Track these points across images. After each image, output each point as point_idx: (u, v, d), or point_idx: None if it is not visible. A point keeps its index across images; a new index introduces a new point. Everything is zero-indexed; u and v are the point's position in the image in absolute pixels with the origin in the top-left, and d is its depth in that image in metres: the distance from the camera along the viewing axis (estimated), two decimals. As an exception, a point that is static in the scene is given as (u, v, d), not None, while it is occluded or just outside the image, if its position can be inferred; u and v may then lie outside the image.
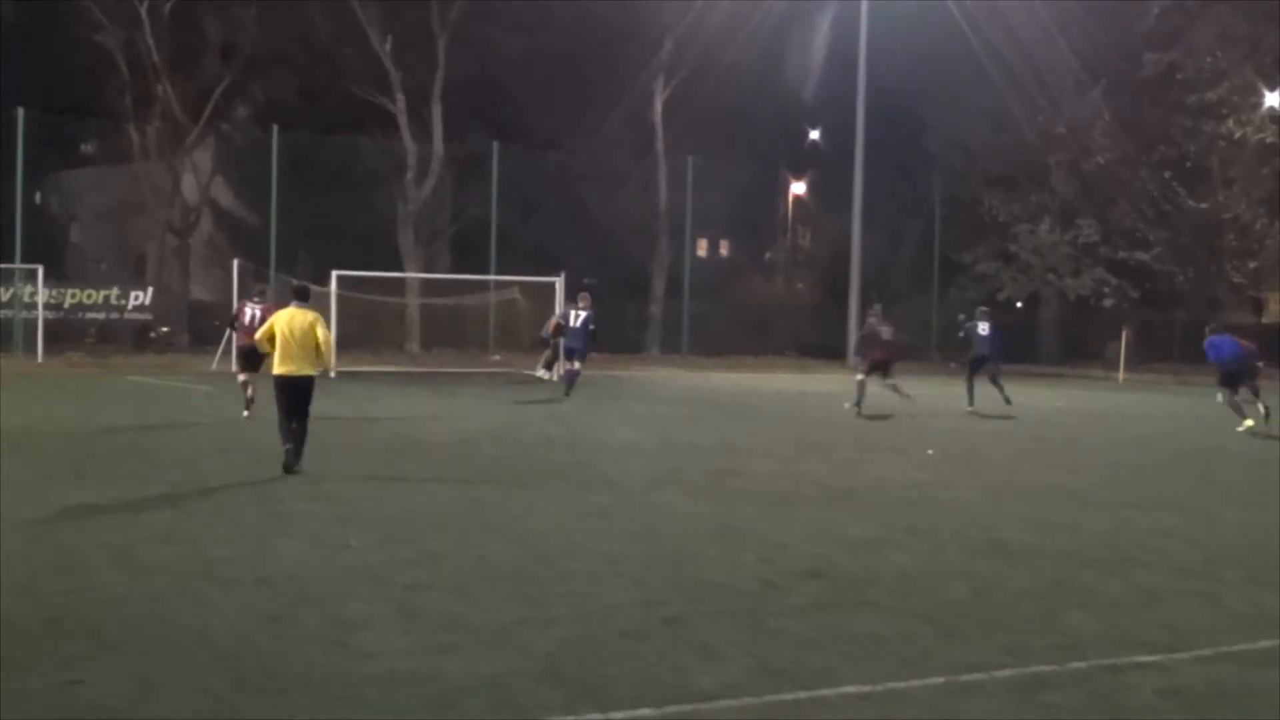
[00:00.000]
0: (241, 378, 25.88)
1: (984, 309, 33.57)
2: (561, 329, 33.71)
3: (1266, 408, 27.12)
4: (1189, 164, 56.11)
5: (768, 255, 71.56)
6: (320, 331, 17.83)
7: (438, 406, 30.08)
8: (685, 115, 56.27)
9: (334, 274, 40.26)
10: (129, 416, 26.03)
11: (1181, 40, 52.18)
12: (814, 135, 69.36)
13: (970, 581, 11.72)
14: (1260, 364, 28.29)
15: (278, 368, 17.92)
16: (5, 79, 45.86)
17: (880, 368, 30.32)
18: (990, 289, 58.76)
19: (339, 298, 40.29)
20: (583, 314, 32.48)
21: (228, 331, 32.85)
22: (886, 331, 30.66)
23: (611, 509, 15.39)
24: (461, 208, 54.17)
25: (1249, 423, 27.22)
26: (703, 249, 69.44)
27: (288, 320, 17.78)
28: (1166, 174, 56.07)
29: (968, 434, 26.67)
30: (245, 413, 25.01)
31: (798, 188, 69.69)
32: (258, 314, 25.54)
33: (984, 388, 31.48)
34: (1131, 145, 55.70)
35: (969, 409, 30.92)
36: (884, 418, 29.12)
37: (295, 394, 17.73)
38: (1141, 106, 54.93)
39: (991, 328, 31.63)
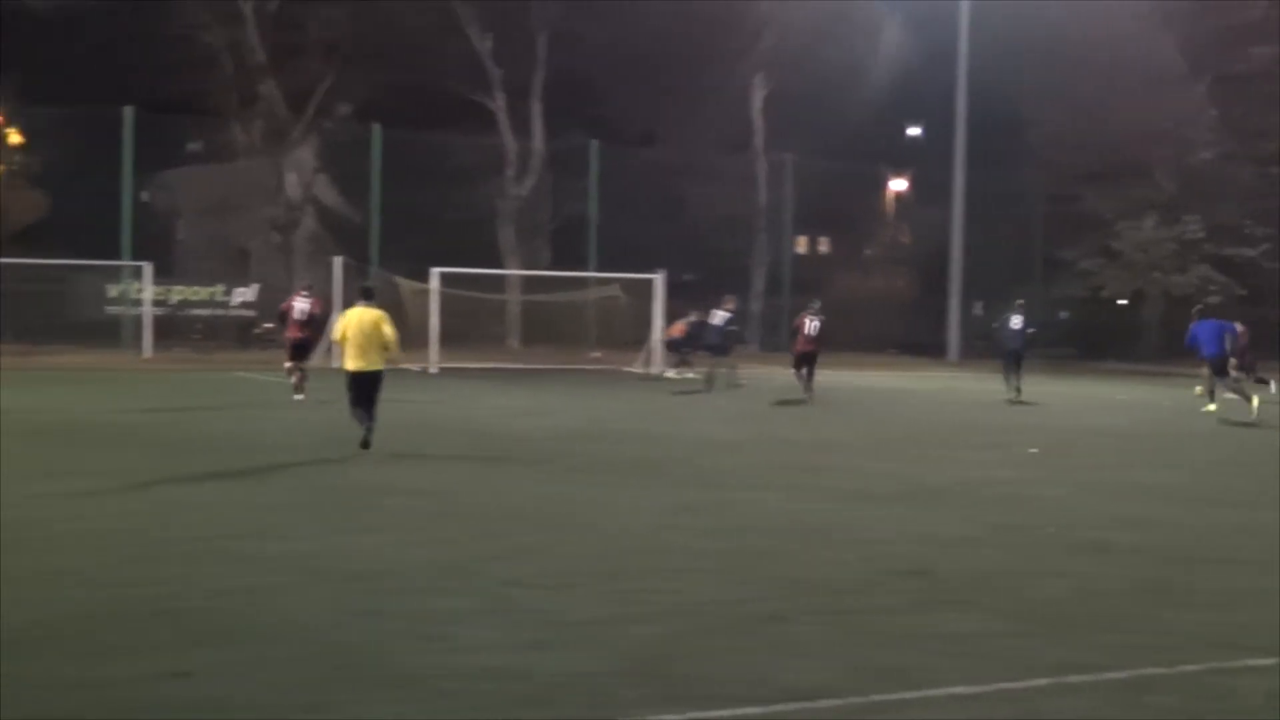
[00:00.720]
0: (288, 365, 27.70)
1: (1020, 302, 34.77)
2: (688, 331, 34.32)
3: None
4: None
5: (867, 251, 71.14)
6: (386, 329, 18.93)
7: (537, 402, 30.09)
8: (784, 110, 56.03)
9: (434, 271, 40.42)
10: (231, 411, 26.36)
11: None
12: (913, 131, 69.02)
13: (1072, 580, 11.48)
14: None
15: (349, 363, 19.04)
16: (113, 78, 46.47)
17: (805, 362, 31.86)
18: (1092, 286, 58.24)
19: (440, 294, 40.51)
20: (724, 314, 34.15)
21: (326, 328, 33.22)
22: (812, 327, 31.93)
23: (707, 505, 15.28)
24: (561, 204, 54.18)
25: (1211, 407, 29.38)
26: (802, 245, 69.17)
27: (357, 318, 19.00)
28: (1274, 169, 55.13)
29: (1067, 431, 26.37)
30: (298, 396, 26.69)
31: (897, 183, 69.14)
32: (306, 307, 27.80)
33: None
34: (1236, 140, 54.81)
35: (1014, 399, 32.38)
36: (982, 414, 28.91)
37: (366, 387, 18.90)
38: (1247, 100, 53.95)
39: (1023, 321, 33.28)
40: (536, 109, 52.37)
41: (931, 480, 18.11)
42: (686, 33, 52.33)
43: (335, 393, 21.68)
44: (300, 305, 27.96)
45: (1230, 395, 28.62)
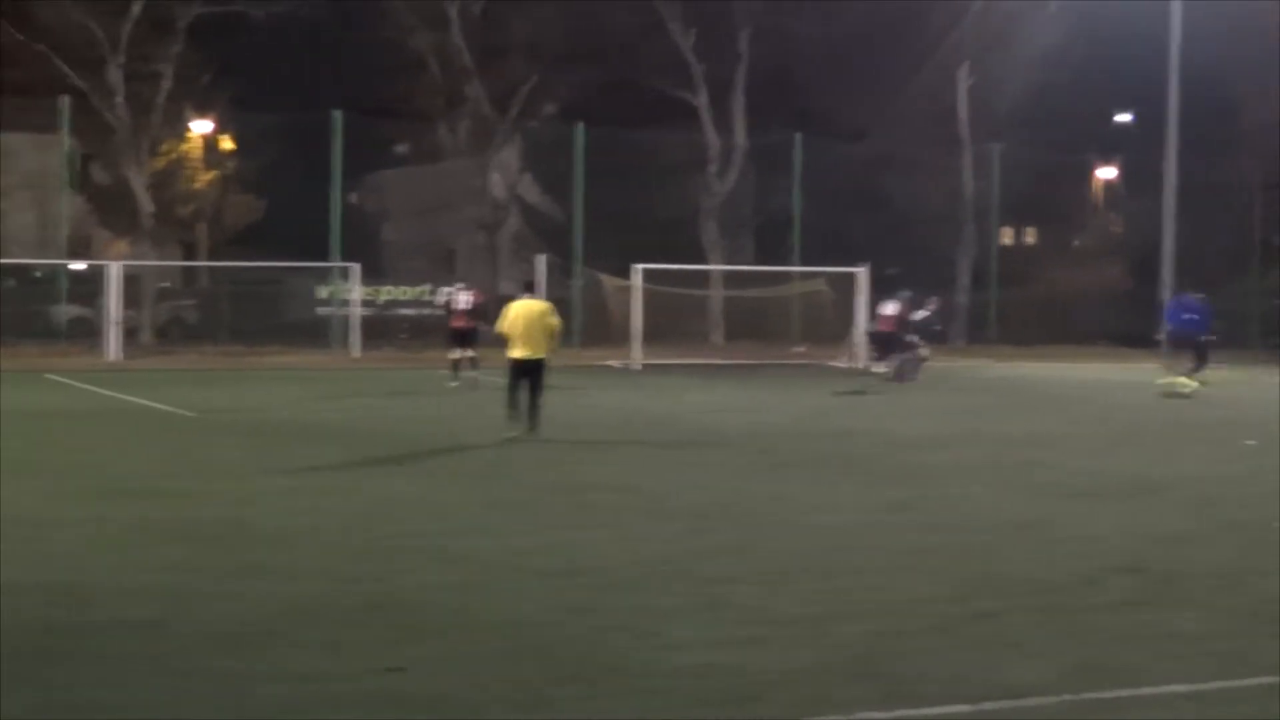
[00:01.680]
0: (454, 355, 31.08)
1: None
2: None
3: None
4: None
5: (1075, 242, 69.81)
6: (552, 319, 20.38)
7: (741, 398, 30.11)
8: (989, 100, 55.22)
9: (636, 268, 40.58)
10: (440, 410, 26.74)
11: None
12: (1122, 118, 67.49)
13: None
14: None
15: (515, 351, 20.17)
16: (322, 83, 47.51)
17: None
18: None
19: (643, 291, 40.67)
20: (923, 314, 34.96)
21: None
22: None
23: (916, 501, 15.22)
24: (764, 199, 54.00)
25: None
26: (1008, 237, 68.18)
27: (524, 309, 20.40)
28: None
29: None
30: (453, 384, 30.32)
31: (1106, 172, 67.71)
32: (470, 299, 31.85)
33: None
34: None
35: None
36: (1195, 407, 28.28)
37: (531, 373, 20.04)
38: None
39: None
40: (739, 104, 52.15)
41: (1148, 475, 17.80)
42: (889, 24, 51.83)
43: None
44: (463, 297, 32.09)
45: None
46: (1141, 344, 50.26)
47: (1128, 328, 54.89)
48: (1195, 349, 32.12)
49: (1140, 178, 59.80)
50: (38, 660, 8.28)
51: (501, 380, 21.61)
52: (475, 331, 31.19)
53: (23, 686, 7.65)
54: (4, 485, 14.94)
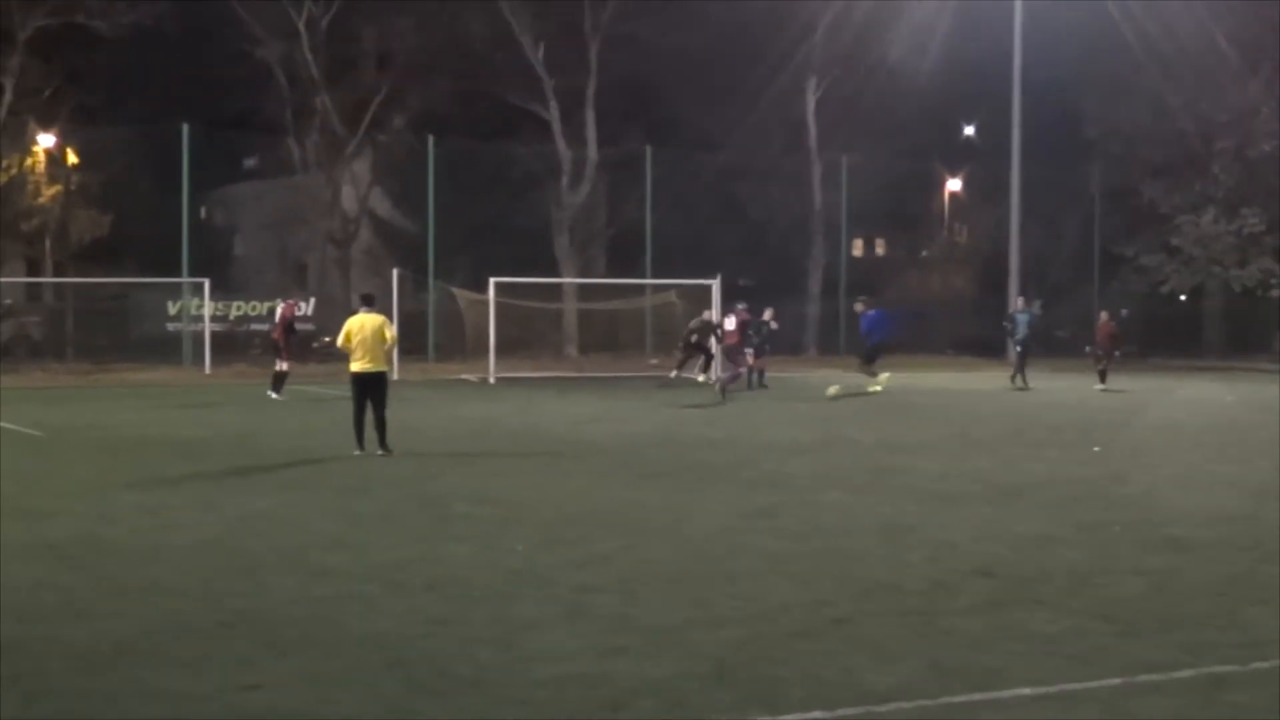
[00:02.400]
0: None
1: (1037, 300, 39.08)
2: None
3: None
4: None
5: (924, 252, 70.78)
6: (389, 332, 20.44)
7: (597, 410, 30.10)
8: (837, 112, 55.85)
9: (491, 281, 40.49)
10: (294, 425, 26.53)
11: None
12: (969, 130, 68.56)
13: (1144, 578, 11.49)
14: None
15: (356, 365, 20.17)
16: (168, 94, 46.87)
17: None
18: (1153, 281, 57.77)
19: (497, 304, 40.60)
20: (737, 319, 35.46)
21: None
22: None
23: (775, 508, 15.32)
24: (616, 211, 54.22)
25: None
26: (858, 248, 68.99)
27: (360, 323, 20.19)
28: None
29: (1134, 428, 26.24)
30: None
31: (954, 183, 68.62)
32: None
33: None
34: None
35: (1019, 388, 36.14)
36: (1044, 413, 28.80)
37: (374, 386, 20.18)
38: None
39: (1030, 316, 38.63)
40: (590, 116, 52.27)
41: (1001, 479, 18.08)
42: (739, 35, 52.20)
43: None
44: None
45: None
46: (988, 352, 51.15)
47: (975, 335, 55.81)
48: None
49: (986, 187, 60.99)
50: (-116, 684, 8.08)
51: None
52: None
53: None
54: None
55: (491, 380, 39.11)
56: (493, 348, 40.04)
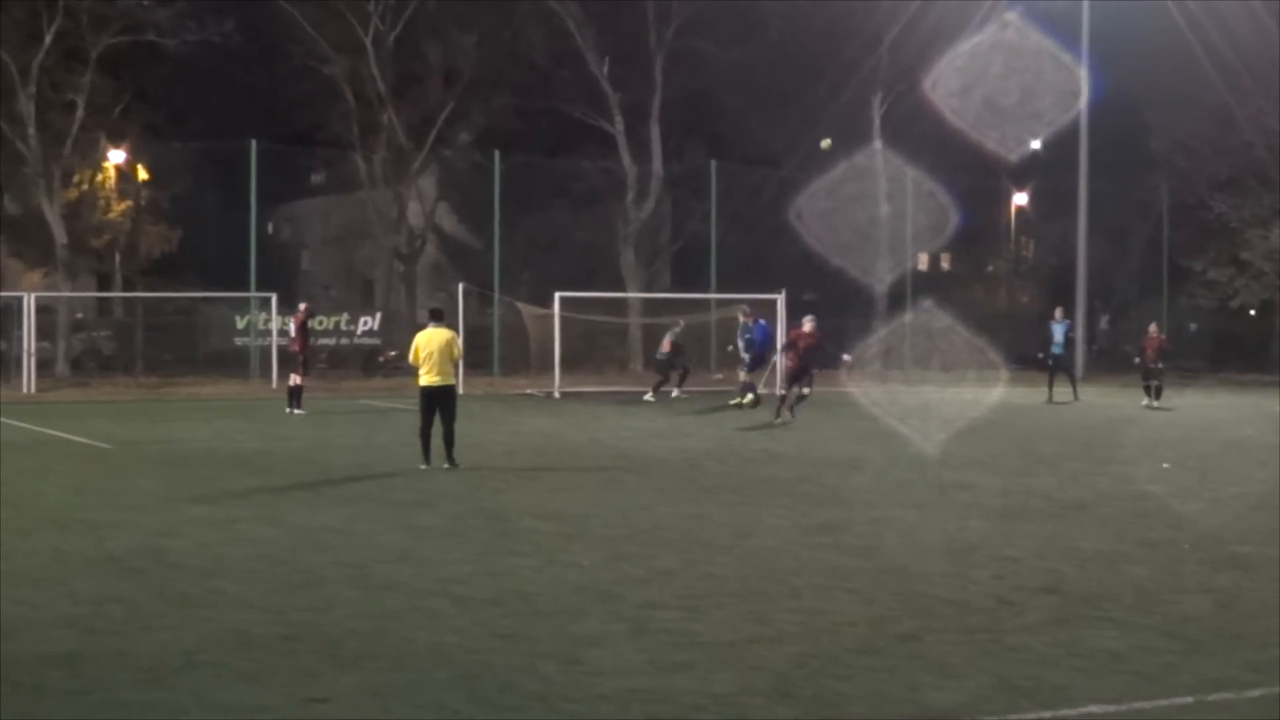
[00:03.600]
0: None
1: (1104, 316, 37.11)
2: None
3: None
4: None
5: (989, 267, 70.34)
6: (457, 347, 20.80)
7: (661, 425, 30.04)
8: (903, 126, 55.42)
9: (556, 295, 40.44)
10: (360, 438, 26.64)
11: None
12: (1035, 144, 67.94)
13: (1211, 596, 11.37)
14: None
15: (426, 379, 20.30)
16: (236, 110, 47.15)
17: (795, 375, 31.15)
18: (1221, 296, 57.09)
19: (561, 319, 40.56)
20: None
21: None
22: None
23: (839, 524, 15.26)
24: (681, 225, 54.05)
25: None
26: (923, 263, 68.51)
27: (429, 338, 20.36)
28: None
29: (1202, 444, 25.97)
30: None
31: (1020, 198, 68.11)
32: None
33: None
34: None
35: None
36: (1112, 429, 28.54)
37: (443, 400, 20.34)
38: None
39: (1065, 327, 37.48)
40: (655, 132, 52.12)
41: (1066, 495, 17.95)
42: (803, 50, 51.93)
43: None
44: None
45: None
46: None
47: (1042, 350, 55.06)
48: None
49: (1053, 202, 60.51)
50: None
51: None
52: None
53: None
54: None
55: (556, 395, 39.06)
56: (557, 362, 39.99)
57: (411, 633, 9.96)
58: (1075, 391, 36.93)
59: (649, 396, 36.38)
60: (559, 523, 15.39)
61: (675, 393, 37.17)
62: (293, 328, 33.29)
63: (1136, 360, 38.82)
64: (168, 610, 10.72)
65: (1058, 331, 37.71)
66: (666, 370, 37.09)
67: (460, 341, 21.62)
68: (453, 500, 17.33)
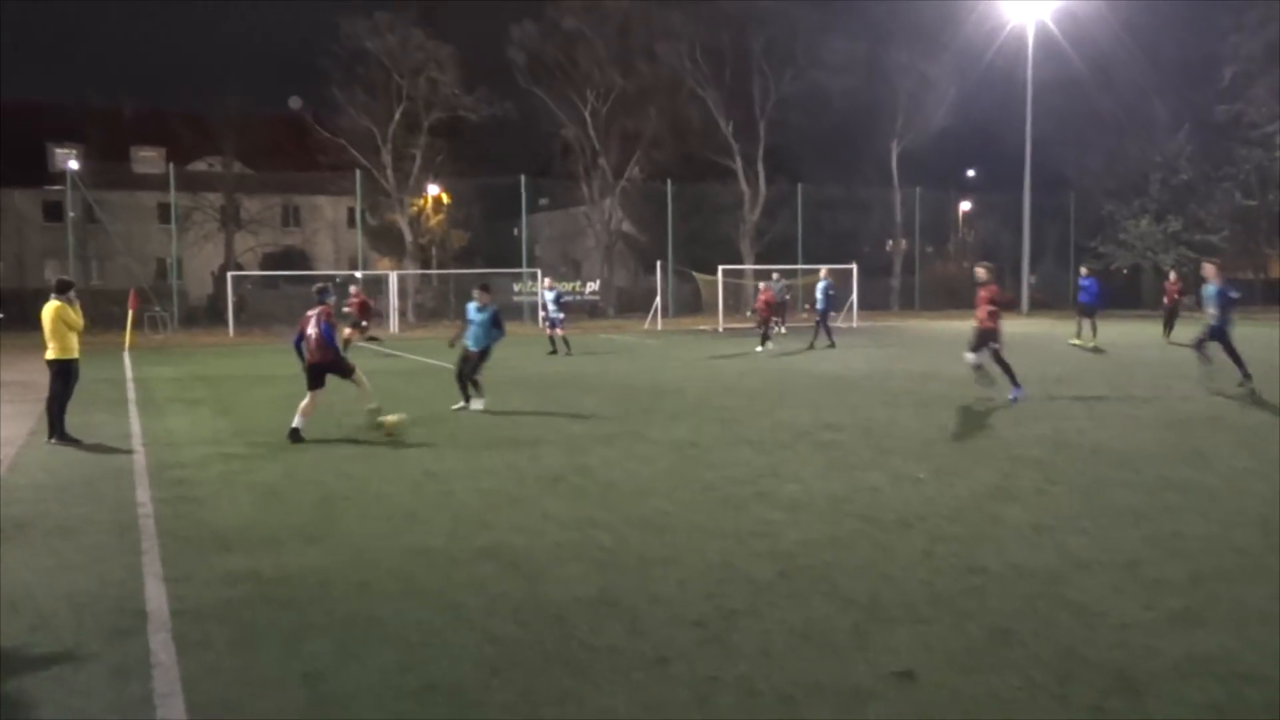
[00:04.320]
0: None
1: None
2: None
3: None
4: (1244, 178, 50.77)
5: (949, 246, 67.40)
6: (66, 317, 12.28)
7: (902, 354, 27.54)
8: (907, 161, 53.07)
9: (720, 268, 38.16)
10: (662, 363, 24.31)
11: (1246, 94, 46.51)
12: (970, 172, 65.67)
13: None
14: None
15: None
16: (512, 160, 45.34)
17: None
18: (1107, 263, 54.03)
19: (709, 282, 38.45)
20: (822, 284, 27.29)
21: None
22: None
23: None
24: (774, 225, 51.53)
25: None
26: (904, 246, 65.89)
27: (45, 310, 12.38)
28: (1226, 184, 50.90)
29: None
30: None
31: (965, 205, 65.07)
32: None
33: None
34: (1207, 165, 50.47)
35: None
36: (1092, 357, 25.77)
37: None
38: (1214, 140, 49.46)
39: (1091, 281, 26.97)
40: (760, 168, 49.64)
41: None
42: (851, 114, 49.63)
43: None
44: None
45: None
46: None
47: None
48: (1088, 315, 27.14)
49: (991, 206, 57.82)
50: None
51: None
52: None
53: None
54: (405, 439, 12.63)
55: (720, 330, 36.78)
56: (721, 309, 37.80)
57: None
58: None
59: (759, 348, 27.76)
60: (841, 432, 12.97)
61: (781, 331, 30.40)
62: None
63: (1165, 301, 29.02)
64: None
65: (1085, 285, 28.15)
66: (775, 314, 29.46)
67: (74, 311, 12.39)
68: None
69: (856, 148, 51.81)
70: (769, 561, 6.96)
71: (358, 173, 42.19)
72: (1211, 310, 16.15)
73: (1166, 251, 52.03)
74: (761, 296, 27.57)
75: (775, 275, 34.94)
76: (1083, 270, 27.87)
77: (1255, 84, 45.99)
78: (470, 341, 14.90)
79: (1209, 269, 16.28)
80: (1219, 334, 16.03)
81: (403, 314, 40.69)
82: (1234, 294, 16.38)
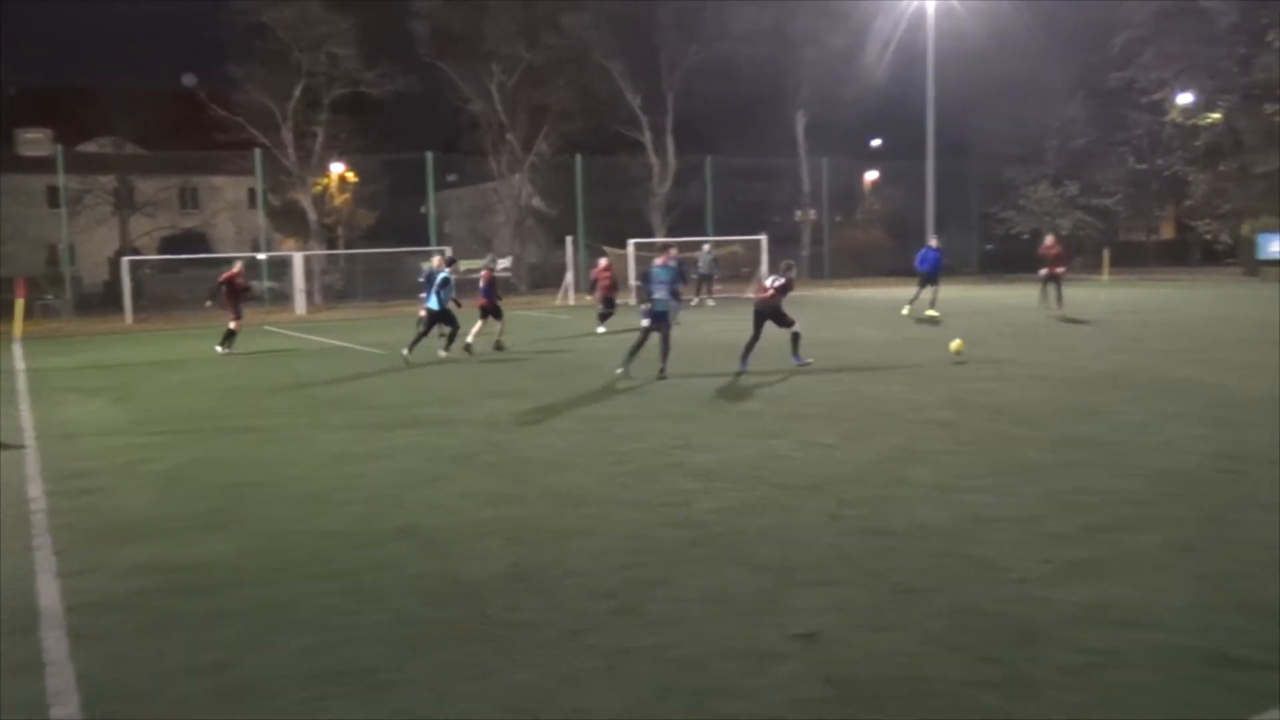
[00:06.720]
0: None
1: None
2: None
3: None
4: (1136, 143, 52.54)
5: (857, 215, 68.26)
6: None
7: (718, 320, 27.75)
8: (814, 131, 53.55)
9: (630, 241, 38.10)
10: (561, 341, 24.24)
11: (1136, 61, 47.87)
12: (876, 142, 66.84)
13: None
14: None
15: None
16: (418, 136, 44.58)
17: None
18: (1008, 228, 55.45)
19: (619, 256, 38.39)
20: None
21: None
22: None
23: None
24: (685, 197, 51.58)
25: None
26: (812, 215, 66.52)
27: None
28: (1121, 149, 52.60)
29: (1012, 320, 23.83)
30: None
31: (871, 174, 66.01)
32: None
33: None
34: (1101, 131, 51.98)
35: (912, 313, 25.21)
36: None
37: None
38: (1108, 106, 50.90)
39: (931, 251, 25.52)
40: (669, 140, 49.52)
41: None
42: (758, 85, 49.83)
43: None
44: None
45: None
46: (896, 275, 48.84)
47: (889, 265, 53.57)
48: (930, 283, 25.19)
49: (898, 174, 58.64)
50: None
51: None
52: None
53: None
54: (310, 418, 12.44)
55: (633, 302, 36.78)
56: (632, 281, 37.78)
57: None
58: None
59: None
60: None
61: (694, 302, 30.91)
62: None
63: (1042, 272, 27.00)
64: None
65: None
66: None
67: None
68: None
69: (764, 118, 52.08)
70: (681, 530, 7.04)
71: (258, 151, 41.09)
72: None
73: (1065, 216, 53.57)
74: (602, 273, 25.36)
75: (707, 247, 35.20)
76: (932, 241, 26.70)
77: (1145, 51, 47.31)
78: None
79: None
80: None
81: (309, 295, 39.90)
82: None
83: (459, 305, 19.41)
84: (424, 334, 18.85)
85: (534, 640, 5.29)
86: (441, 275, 18.77)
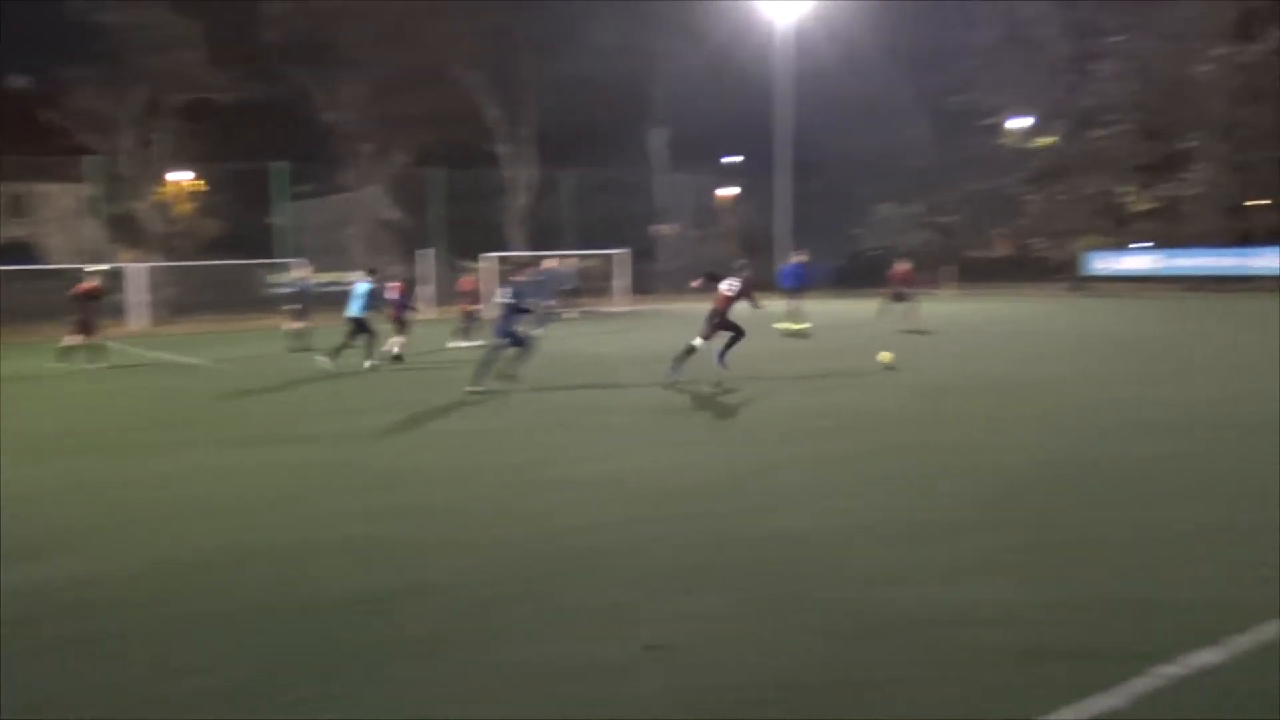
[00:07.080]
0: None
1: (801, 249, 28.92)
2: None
3: None
4: (974, 164, 55.09)
5: (712, 230, 69.37)
6: None
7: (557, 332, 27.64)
8: (674, 147, 54.26)
9: (484, 256, 37.72)
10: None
11: (974, 86, 50.13)
12: (732, 159, 68.45)
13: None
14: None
15: None
16: (269, 145, 43.03)
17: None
18: (859, 246, 57.25)
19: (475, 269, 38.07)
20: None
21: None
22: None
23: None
24: (544, 210, 51.38)
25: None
26: (673, 229, 67.33)
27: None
28: (962, 170, 55.07)
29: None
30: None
31: (725, 191, 67.22)
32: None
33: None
34: (943, 151, 54.23)
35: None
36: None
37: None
38: (948, 128, 53.24)
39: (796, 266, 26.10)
40: (528, 152, 49.35)
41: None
42: (617, 99, 50.18)
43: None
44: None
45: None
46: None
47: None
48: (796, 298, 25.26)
49: (753, 190, 59.97)
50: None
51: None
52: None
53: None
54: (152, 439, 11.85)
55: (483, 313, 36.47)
56: (496, 300, 37.44)
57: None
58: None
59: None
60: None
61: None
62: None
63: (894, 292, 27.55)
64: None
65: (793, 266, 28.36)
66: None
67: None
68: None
69: (621, 133, 52.60)
70: (543, 544, 6.90)
71: (93, 158, 39.11)
72: None
73: (910, 234, 55.56)
74: (466, 286, 25.76)
75: (552, 263, 35.05)
76: (794, 257, 26.90)
77: (982, 76, 49.59)
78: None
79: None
80: None
81: (149, 309, 38.14)
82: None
83: (416, 310, 19.92)
84: (345, 345, 19.17)
85: (388, 659, 5.09)
86: (365, 286, 19.38)
